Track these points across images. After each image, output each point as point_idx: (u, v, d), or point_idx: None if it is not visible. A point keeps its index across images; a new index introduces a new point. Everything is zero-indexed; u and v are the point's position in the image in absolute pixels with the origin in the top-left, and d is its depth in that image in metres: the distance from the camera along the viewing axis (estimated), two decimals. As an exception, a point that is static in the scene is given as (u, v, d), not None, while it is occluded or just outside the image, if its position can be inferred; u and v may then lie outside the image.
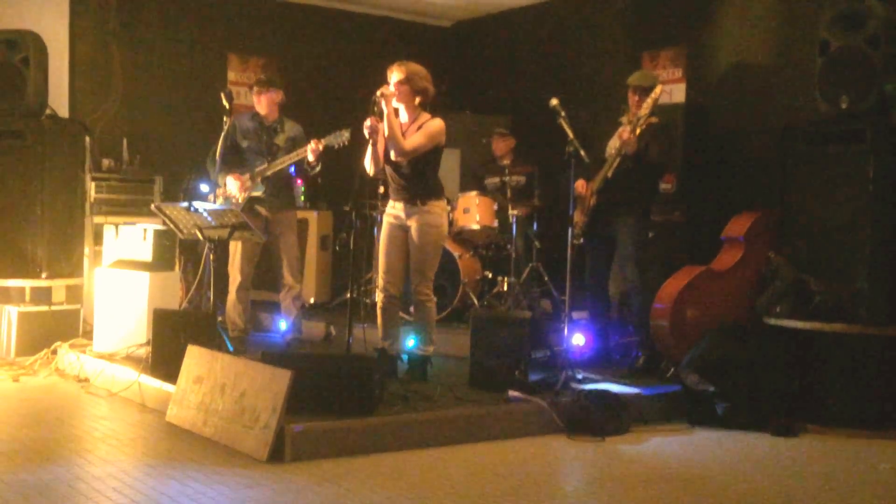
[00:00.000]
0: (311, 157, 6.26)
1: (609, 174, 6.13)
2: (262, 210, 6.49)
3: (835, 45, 5.76)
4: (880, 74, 5.57)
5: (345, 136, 6.15)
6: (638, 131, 6.02)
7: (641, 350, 6.32)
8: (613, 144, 6.16)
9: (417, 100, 5.64)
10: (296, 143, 6.54)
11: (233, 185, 6.43)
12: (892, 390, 5.57)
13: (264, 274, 7.15)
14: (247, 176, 6.47)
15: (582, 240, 6.20)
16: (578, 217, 6.26)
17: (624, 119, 6.26)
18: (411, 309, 5.96)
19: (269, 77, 6.69)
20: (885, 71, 5.57)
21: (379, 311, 5.82)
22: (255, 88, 6.61)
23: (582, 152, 5.90)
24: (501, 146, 8.17)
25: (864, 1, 5.97)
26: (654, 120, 6.14)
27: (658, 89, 6.08)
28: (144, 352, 5.93)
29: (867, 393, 5.56)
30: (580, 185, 6.21)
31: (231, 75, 8.90)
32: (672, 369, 5.99)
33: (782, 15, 7.17)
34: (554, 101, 6.00)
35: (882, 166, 5.51)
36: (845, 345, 5.58)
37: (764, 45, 7.31)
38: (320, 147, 6.22)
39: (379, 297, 5.81)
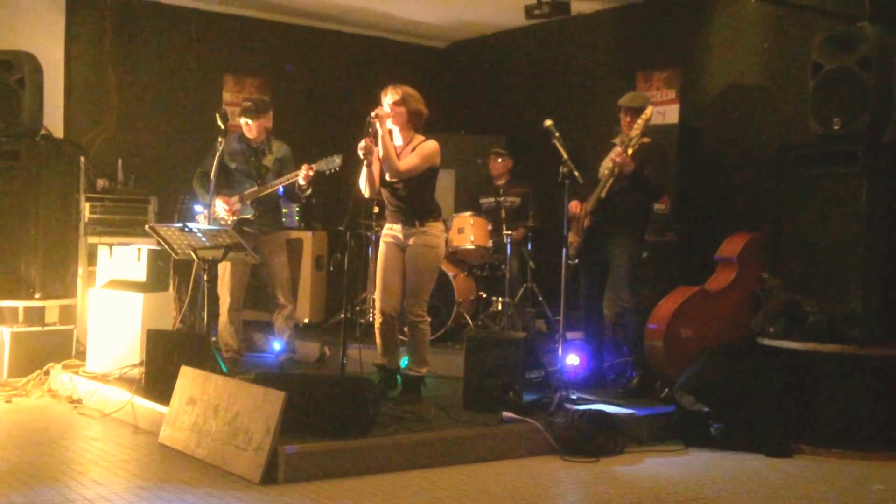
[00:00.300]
0: (302, 182, 6.27)
1: (602, 195, 6.15)
2: (251, 231, 6.49)
3: (827, 68, 5.80)
4: (872, 96, 5.60)
5: (336, 161, 6.17)
6: (630, 151, 6.04)
7: (636, 370, 6.32)
8: (606, 165, 6.18)
9: (412, 121, 5.67)
10: (283, 164, 6.55)
11: (220, 208, 6.43)
12: (885, 411, 5.57)
13: (257, 294, 7.13)
14: (235, 198, 6.47)
15: (577, 260, 6.20)
16: (573, 238, 6.27)
17: (616, 140, 6.29)
18: (406, 329, 5.96)
19: (258, 104, 6.54)
20: (877, 93, 5.61)
21: (377, 332, 5.82)
22: (244, 119, 6.48)
23: (576, 173, 5.93)
24: (499, 166, 8.19)
25: (856, 23, 6.03)
26: (646, 140, 6.16)
27: (649, 111, 6.11)
28: (137, 373, 5.91)
29: (861, 413, 5.56)
30: (574, 206, 6.22)
31: (226, 96, 8.93)
32: (666, 390, 5.98)
33: (775, 37, 7.22)
34: (548, 122, 6.04)
35: (874, 187, 5.54)
36: (839, 365, 5.58)
37: (757, 66, 7.36)
38: (311, 172, 6.23)
39: (377, 317, 5.81)
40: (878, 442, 5.50)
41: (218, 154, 6.23)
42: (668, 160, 6.42)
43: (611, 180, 6.11)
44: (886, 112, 5.71)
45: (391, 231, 5.76)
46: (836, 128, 5.73)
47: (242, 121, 6.50)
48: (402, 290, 5.76)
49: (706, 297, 6.34)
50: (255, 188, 6.46)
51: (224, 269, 6.50)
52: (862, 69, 5.64)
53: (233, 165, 6.50)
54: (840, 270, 5.63)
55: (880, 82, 5.63)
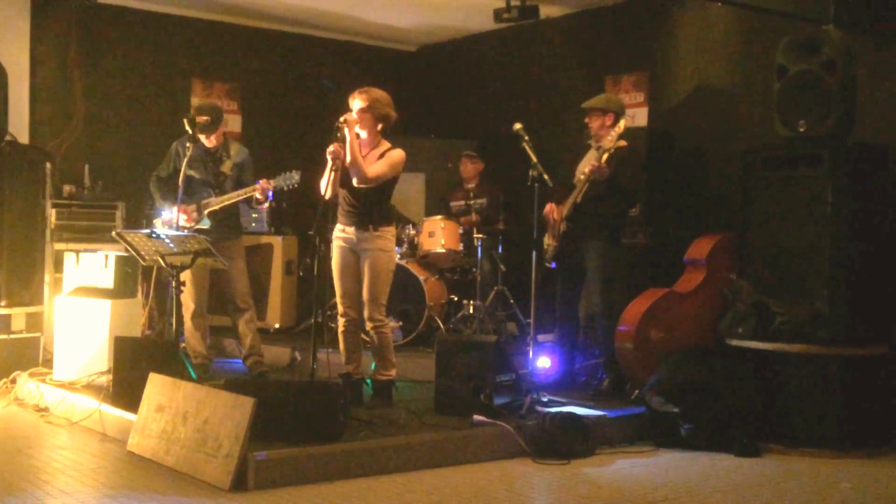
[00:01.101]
0: (258, 196, 6.25)
1: (578, 200, 6.17)
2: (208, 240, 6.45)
3: (792, 71, 5.86)
4: (836, 99, 5.66)
5: (295, 177, 6.16)
6: (606, 157, 6.06)
7: (606, 373, 6.35)
8: (582, 170, 6.20)
9: (380, 126, 5.67)
10: (242, 170, 6.50)
11: (180, 219, 6.38)
12: (852, 410, 5.63)
13: (225, 300, 7.09)
14: (192, 207, 6.41)
15: (553, 264, 6.21)
16: (550, 241, 6.29)
17: (592, 143, 6.31)
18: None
19: (213, 117, 6.36)
20: (841, 96, 5.67)
21: (340, 336, 5.82)
22: (202, 132, 6.32)
23: (545, 176, 5.94)
24: (470, 169, 8.21)
25: (821, 27, 6.10)
26: (622, 143, 6.19)
27: (623, 123, 6.12)
28: (105, 380, 5.86)
29: (828, 413, 5.61)
30: (549, 210, 6.24)
31: (195, 100, 8.84)
32: (636, 391, 6.01)
33: (741, 40, 7.28)
34: (517, 126, 6.05)
35: (839, 189, 5.59)
36: (806, 365, 5.64)
37: (724, 69, 7.41)
38: (269, 187, 6.21)
39: (340, 322, 5.80)
40: (846, 441, 5.56)
41: (186, 159, 6.19)
42: (640, 164, 6.45)
43: (586, 185, 6.13)
44: (850, 115, 5.78)
45: (343, 234, 5.74)
46: (802, 130, 5.79)
47: (205, 135, 6.39)
48: (360, 294, 5.75)
49: (675, 298, 6.38)
50: (212, 200, 6.40)
51: (186, 276, 6.45)
52: (826, 72, 5.69)
53: (190, 172, 6.42)
54: (807, 271, 5.69)
55: (844, 85, 5.69)
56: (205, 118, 6.37)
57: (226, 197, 6.38)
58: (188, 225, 6.35)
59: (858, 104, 5.86)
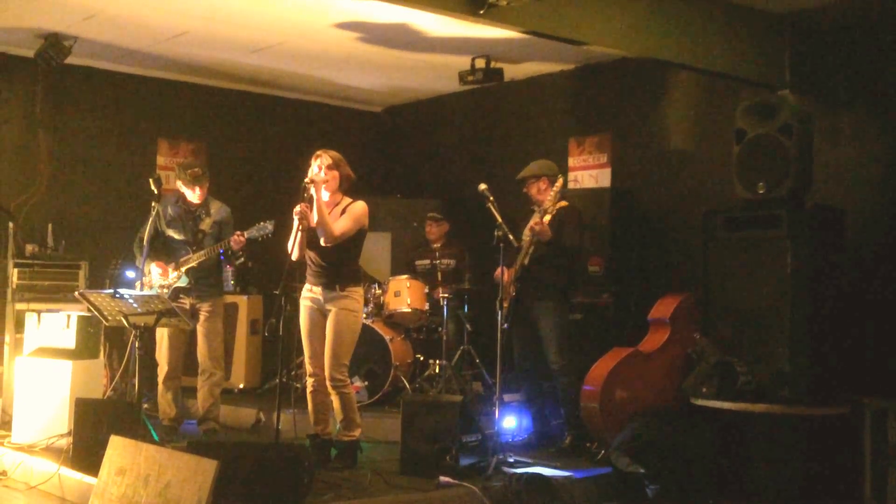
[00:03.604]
0: (233, 247, 6.26)
1: (525, 262, 6.26)
2: (186, 300, 6.42)
3: (750, 134, 5.99)
4: (794, 162, 5.79)
5: (268, 227, 6.19)
6: (548, 218, 6.18)
7: (567, 430, 6.36)
8: (527, 232, 6.30)
9: (343, 185, 5.73)
10: (222, 227, 6.52)
11: (155, 273, 6.37)
12: (815, 468, 5.67)
13: (195, 361, 7.03)
14: (171, 266, 6.40)
15: (506, 325, 6.25)
16: (504, 304, 6.34)
17: (535, 206, 6.41)
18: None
19: (202, 169, 6.54)
20: (798, 159, 5.80)
21: (308, 396, 5.77)
22: (195, 185, 6.43)
23: (511, 236, 6.01)
24: (435, 230, 8.25)
25: (777, 92, 6.26)
26: (563, 204, 6.33)
27: (559, 182, 6.26)
28: (66, 443, 5.75)
29: (791, 471, 5.65)
30: (499, 273, 6.30)
31: (160, 160, 8.87)
32: (602, 451, 6.02)
33: (701, 104, 7.45)
34: (482, 186, 6.13)
35: (798, 251, 5.69)
36: (769, 424, 5.69)
37: (684, 131, 7.57)
38: (243, 239, 6.23)
39: (308, 381, 5.77)
40: (809, 498, 5.59)
41: (151, 219, 6.19)
42: (583, 221, 6.57)
43: (532, 247, 6.23)
44: (808, 177, 5.91)
45: (311, 293, 5.74)
46: (761, 192, 5.91)
47: (192, 188, 6.44)
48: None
49: (640, 357, 6.42)
50: (191, 256, 6.41)
51: (162, 336, 6.41)
52: (783, 136, 5.83)
53: (170, 232, 6.45)
54: (768, 331, 5.76)
55: (801, 149, 5.83)
56: (197, 169, 6.47)
57: (202, 252, 6.37)
58: (165, 281, 6.33)
59: (815, 166, 5.99)
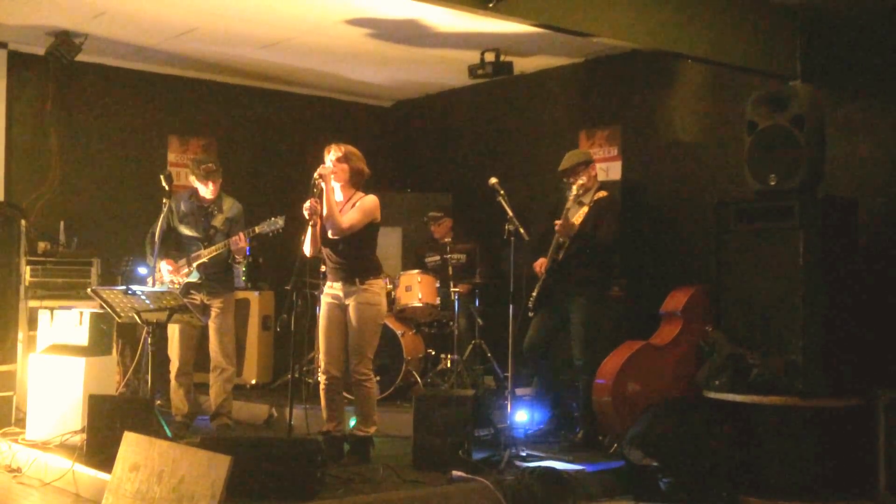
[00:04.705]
0: (231, 248, 6.28)
1: (559, 257, 6.23)
2: (197, 296, 6.43)
3: (761, 126, 5.96)
4: (805, 153, 5.76)
5: (279, 223, 6.20)
6: (585, 209, 6.14)
7: (580, 425, 6.36)
8: (559, 230, 6.26)
9: (353, 179, 5.71)
10: (234, 223, 6.53)
11: (165, 270, 6.38)
12: (828, 461, 5.65)
13: (207, 357, 7.04)
14: (182, 261, 6.42)
15: (530, 314, 6.24)
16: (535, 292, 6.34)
17: (570, 196, 6.37)
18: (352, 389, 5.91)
19: (216, 163, 6.55)
20: (810, 150, 5.77)
21: (322, 393, 5.77)
22: (209, 181, 6.44)
23: (521, 230, 6.00)
24: (439, 229, 8.25)
25: (788, 83, 6.22)
26: (603, 194, 6.27)
27: (587, 173, 6.23)
28: (79, 439, 5.77)
29: (805, 464, 5.63)
30: (539, 265, 6.28)
31: (171, 157, 8.89)
32: (615, 445, 6.01)
33: (712, 95, 7.42)
34: (493, 180, 6.12)
35: (811, 241, 5.66)
36: (782, 417, 5.66)
37: (695, 123, 7.54)
38: (242, 245, 6.26)
39: (321, 378, 5.77)
40: (822, 491, 5.57)
41: (163, 216, 6.21)
42: (619, 213, 6.54)
43: (566, 242, 6.20)
44: (819, 168, 5.88)
45: (332, 290, 5.75)
46: (773, 184, 5.88)
47: (206, 183, 6.45)
48: (345, 350, 5.73)
49: (652, 351, 6.41)
50: (202, 252, 6.43)
51: (174, 332, 6.43)
52: (795, 127, 5.80)
53: (182, 228, 6.47)
54: (780, 323, 5.73)
55: (813, 139, 5.79)
56: (210, 164, 6.47)
57: (213, 248, 6.38)
58: (176, 277, 6.35)
59: (826, 158, 5.96)
